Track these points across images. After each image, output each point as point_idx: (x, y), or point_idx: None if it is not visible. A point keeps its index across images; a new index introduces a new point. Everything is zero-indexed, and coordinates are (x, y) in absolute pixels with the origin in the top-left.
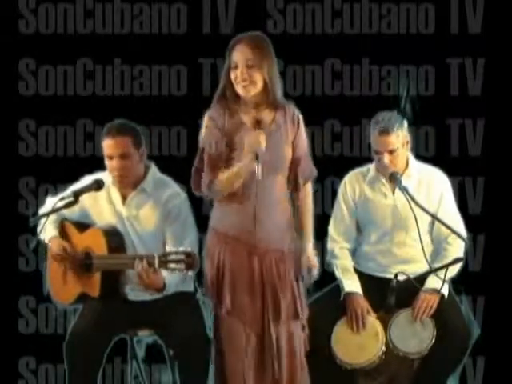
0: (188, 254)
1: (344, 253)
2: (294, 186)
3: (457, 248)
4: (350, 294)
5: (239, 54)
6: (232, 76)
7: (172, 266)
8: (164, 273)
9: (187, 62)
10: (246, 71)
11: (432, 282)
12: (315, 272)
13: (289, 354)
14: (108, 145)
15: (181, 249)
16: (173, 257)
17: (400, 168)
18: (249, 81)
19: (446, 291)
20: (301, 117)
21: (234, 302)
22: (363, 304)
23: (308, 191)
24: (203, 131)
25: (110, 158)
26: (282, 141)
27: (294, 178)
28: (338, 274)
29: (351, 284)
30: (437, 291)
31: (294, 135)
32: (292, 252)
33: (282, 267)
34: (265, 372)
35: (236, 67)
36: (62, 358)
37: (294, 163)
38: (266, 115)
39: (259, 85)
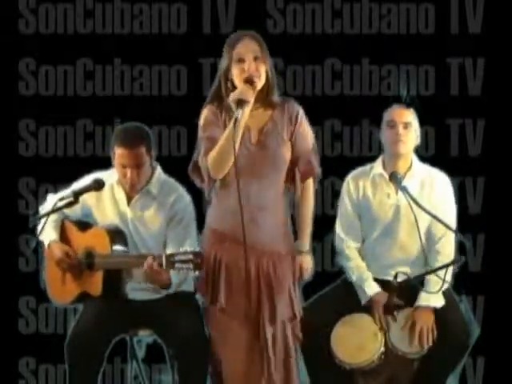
0: (197, 254)
1: (354, 252)
2: (292, 184)
3: (448, 255)
4: (374, 296)
5: (246, 48)
6: (236, 71)
7: (179, 265)
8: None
9: (187, 62)
10: (254, 64)
11: (423, 299)
12: (307, 276)
13: (284, 355)
14: (122, 154)
15: (189, 249)
16: (181, 257)
17: (404, 168)
18: (258, 73)
19: (439, 303)
20: (302, 113)
21: (229, 300)
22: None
23: (307, 190)
24: (201, 122)
25: (124, 166)
26: (278, 140)
27: (292, 176)
28: (354, 278)
29: (372, 286)
30: (429, 307)
31: (290, 133)
32: (289, 254)
33: (279, 269)
34: (258, 372)
35: (242, 61)
36: (62, 358)
37: (293, 162)
38: (262, 113)
39: (263, 80)
